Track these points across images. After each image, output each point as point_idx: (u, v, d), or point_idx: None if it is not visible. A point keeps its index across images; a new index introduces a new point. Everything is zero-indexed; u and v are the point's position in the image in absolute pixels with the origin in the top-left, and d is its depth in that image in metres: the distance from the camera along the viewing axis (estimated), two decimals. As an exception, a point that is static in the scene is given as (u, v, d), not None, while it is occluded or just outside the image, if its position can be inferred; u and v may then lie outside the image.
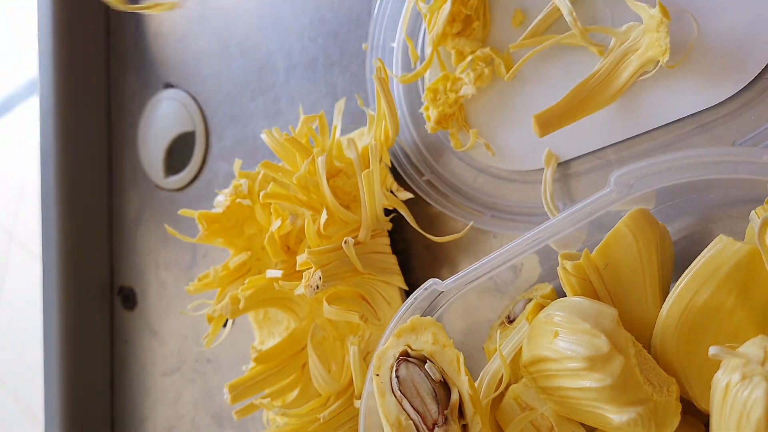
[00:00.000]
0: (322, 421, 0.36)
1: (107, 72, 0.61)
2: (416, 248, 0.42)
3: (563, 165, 0.36)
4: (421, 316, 0.31)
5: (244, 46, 0.51)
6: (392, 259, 0.40)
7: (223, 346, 0.53)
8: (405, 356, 0.29)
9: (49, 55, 0.58)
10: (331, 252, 0.36)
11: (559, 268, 0.29)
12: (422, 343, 0.29)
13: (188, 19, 0.55)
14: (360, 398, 0.38)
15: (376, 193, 0.36)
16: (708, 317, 0.27)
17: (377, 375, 0.29)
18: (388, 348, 0.30)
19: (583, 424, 0.30)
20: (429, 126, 0.39)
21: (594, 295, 0.29)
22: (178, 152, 0.56)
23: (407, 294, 0.41)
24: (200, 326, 0.55)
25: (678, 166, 0.24)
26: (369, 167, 0.37)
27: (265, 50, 0.49)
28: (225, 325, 0.49)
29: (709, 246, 0.27)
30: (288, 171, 0.39)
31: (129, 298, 0.60)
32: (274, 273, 0.38)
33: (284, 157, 0.40)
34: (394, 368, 0.29)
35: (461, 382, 0.28)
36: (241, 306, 0.38)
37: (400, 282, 0.39)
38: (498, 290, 0.37)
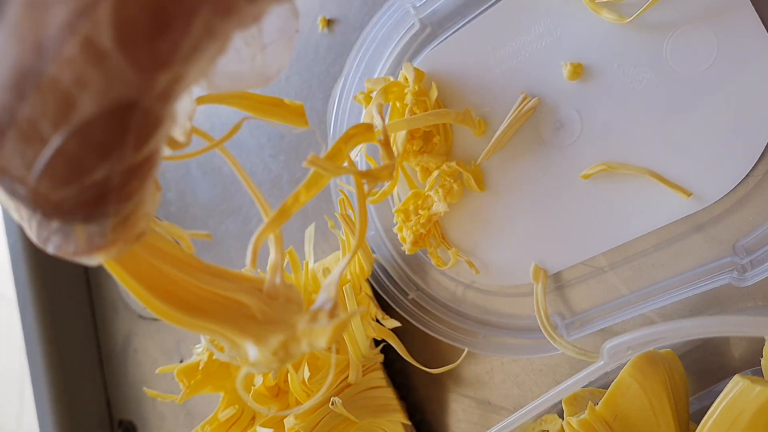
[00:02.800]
0: None
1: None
2: (415, 366, 0.40)
3: (554, 276, 0.33)
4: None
5: (205, 168, 0.48)
6: (390, 393, 0.37)
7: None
8: None
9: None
10: (319, 408, 0.33)
11: (564, 425, 0.27)
12: None
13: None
14: None
15: (359, 337, 0.34)
16: (738, 468, 0.24)
17: None
18: None
19: None
20: (406, 248, 0.36)
21: (608, 448, 0.26)
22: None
23: (413, 423, 0.38)
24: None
25: (676, 335, 0.21)
26: (348, 299, 0.34)
27: (227, 170, 0.47)
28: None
29: (725, 390, 0.24)
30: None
31: (130, 431, 0.58)
32: None
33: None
34: None
35: None
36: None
37: (402, 419, 0.37)
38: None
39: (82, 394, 0.58)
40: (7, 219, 0.57)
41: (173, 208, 0.51)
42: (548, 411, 0.32)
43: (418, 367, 0.39)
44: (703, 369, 0.29)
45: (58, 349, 0.57)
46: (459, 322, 0.36)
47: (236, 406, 0.38)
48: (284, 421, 0.33)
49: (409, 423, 0.37)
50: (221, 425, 0.40)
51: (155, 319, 0.54)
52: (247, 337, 0.16)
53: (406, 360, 0.40)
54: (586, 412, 0.26)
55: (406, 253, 0.36)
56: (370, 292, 0.37)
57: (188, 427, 0.53)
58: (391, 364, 0.40)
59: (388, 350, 0.39)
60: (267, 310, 0.17)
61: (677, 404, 0.26)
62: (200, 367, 0.38)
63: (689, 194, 0.28)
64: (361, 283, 0.36)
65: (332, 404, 0.32)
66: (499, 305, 0.35)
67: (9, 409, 0.92)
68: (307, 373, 0.33)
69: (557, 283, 0.33)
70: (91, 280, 0.59)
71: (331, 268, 0.38)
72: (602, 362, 0.23)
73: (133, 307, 0.55)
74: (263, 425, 0.35)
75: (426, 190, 0.35)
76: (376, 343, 0.37)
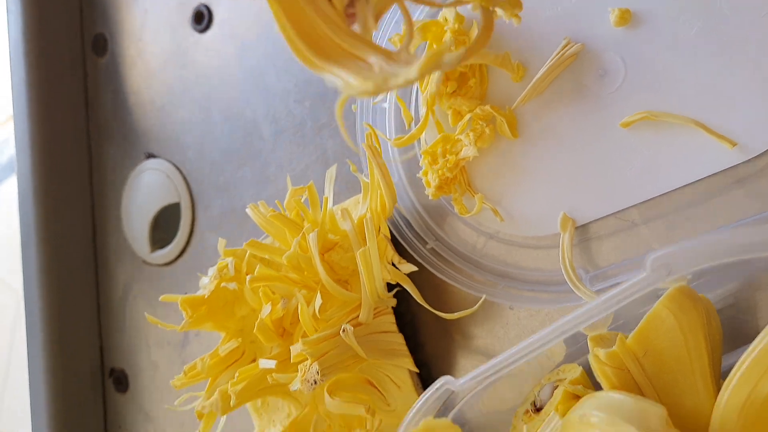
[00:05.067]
0: None
1: (88, 144, 0.58)
2: (425, 320, 0.39)
3: (582, 229, 0.33)
4: (435, 417, 0.27)
5: (227, 113, 0.48)
6: (399, 339, 0.36)
7: (222, 432, 0.49)
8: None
9: (26, 129, 0.55)
10: (328, 339, 0.32)
11: (590, 357, 0.26)
12: (438, 453, 0.25)
13: (168, 87, 0.52)
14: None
15: (375, 272, 0.33)
16: (773, 410, 0.23)
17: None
18: (399, 459, 0.26)
19: None
20: (429, 192, 0.35)
21: (634, 385, 0.25)
22: (165, 224, 0.53)
23: (419, 376, 0.37)
24: (196, 411, 0.51)
25: (726, 246, 0.20)
26: (366, 240, 0.34)
27: (249, 116, 0.46)
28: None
29: (762, 333, 0.23)
30: (277, 250, 0.35)
31: (121, 381, 0.56)
32: (267, 363, 0.34)
33: (273, 233, 0.36)
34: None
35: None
36: (232, 403, 0.34)
37: (409, 364, 0.35)
38: (519, 373, 0.33)
39: (76, 340, 0.57)
40: (21, 155, 0.56)
41: (191, 152, 0.50)
42: (567, 360, 0.31)
43: (427, 322, 0.38)
44: (733, 328, 0.28)
45: (58, 292, 0.56)
46: (478, 274, 0.35)
47: (239, 339, 0.37)
48: (290, 348, 0.32)
49: (416, 370, 0.36)
50: (221, 360, 0.39)
51: (159, 265, 0.53)
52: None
53: (415, 313, 0.39)
54: (615, 345, 0.25)
55: (430, 198, 0.35)
56: (388, 234, 0.36)
57: (181, 380, 0.52)
58: (400, 317, 0.39)
59: (398, 302, 0.38)
60: (385, 66, 0.19)
61: (712, 351, 0.25)
62: (206, 296, 0.37)
63: (734, 144, 0.28)
64: (381, 223, 0.35)
65: (343, 331, 0.31)
66: (520, 258, 0.34)
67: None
68: (319, 301, 0.32)
69: (584, 235, 0.33)
70: (97, 225, 0.58)
71: (352, 209, 0.37)
72: (644, 274, 0.22)
73: (138, 253, 0.54)
74: (268, 358, 0.34)
75: (457, 133, 0.34)
76: (389, 289, 0.36)
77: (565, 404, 0.29)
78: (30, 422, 0.58)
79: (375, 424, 0.36)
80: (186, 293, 0.49)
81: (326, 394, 0.34)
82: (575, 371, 0.30)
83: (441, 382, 0.26)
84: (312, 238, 0.33)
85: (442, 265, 0.36)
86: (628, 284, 0.22)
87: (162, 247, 0.52)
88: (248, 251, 0.38)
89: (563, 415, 0.28)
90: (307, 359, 0.31)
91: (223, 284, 0.36)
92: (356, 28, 0.21)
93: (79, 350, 0.57)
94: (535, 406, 0.31)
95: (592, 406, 0.24)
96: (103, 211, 0.57)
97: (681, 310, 0.24)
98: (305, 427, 0.39)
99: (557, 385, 0.30)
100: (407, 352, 0.36)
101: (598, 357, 0.25)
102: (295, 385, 0.32)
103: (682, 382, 0.25)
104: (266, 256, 0.34)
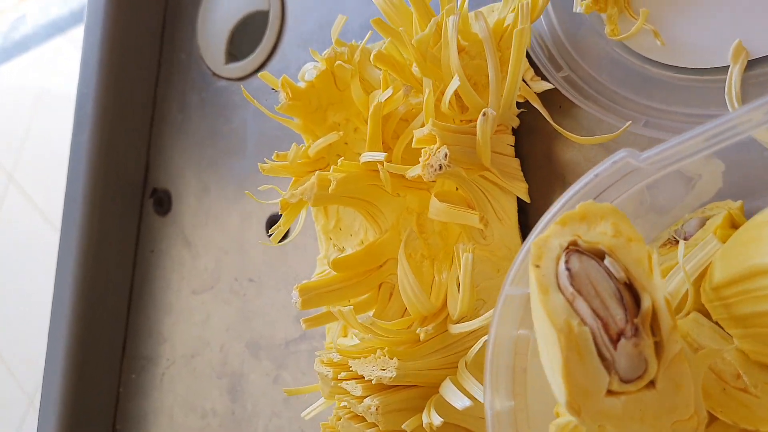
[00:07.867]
0: (422, 336, 0.29)
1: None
2: (534, 160, 0.35)
3: (754, 64, 0.29)
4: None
5: None
6: (515, 163, 0.33)
7: (270, 264, 0.46)
8: (574, 247, 0.22)
9: None
10: (457, 133, 0.29)
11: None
12: (598, 235, 0.22)
13: None
14: (459, 322, 0.31)
15: (514, 68, 0.29)
16: None
17: (537, 266, 0.22)
18: (550, 236, 0.23)
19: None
20: (583, 4, 0.31)
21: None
22: (245, 40, 0.49)
23: (519, 222, 0.34)
24: (245, 239, 0.48)
25: None
26: (500, 47, 0.30)
27: None
28: (285, 237, 0.41)
29: None
30: (402, 35, 0.31)
31: (162, 202, 0.53)
32: (373, 156, 0.31)
33: (398, 22, 0.33)
34: (563, 259, 0.22)
35: (655, 287, 0.21)
36: (331, 188, 0.31)
37: (521, 191, 0.32)
38: (657, 209, 0.29)
39: (120, 153, 0.54)
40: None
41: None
42: (717, 198, 0.28)
43: (539, 167, 0.35)
44: None
45: (111, 98, 0.52)
46: (615, 107, 0.32)
47: (339, 132, 0.34)
48: (414, 132, 0.29)
49: (527, 199, 0.32)
50: (309, 162, 0.35)
51: (232, 79, 0.49)
52: None
53: (526, 155, 0.35)
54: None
55: (581, 12, 0.32)
56: (530, 42, 0.32)
57: (233, 207, 0.48)
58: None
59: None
60: None
61: None
62: (313, 79, 0.33)
63: None
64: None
65: (483, 114, 0.28)
66: (671, 94, 0.31)
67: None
68: (456, 84, 0.28)
69: (756, 72, 0.29)
70: (166, 29, 0.54)
71: (486, 16, 0.33)
72: None
73: (209, 64, 0.51)
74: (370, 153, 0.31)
75: (634, -64, 0.30)
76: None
77: (726, 230, 0.26)
78: (59, 231, 0.55)
79: (469, 248, 0.33)
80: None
81: (434, 200, 0.31)
82: (732, 205, 0.27)
83: (622, 154, 0.23)
84: (452, 23, 0.30)
85: (577, 93, 0.33)
86: None
87: (237, 60, 0.49)
88: (362, 43, 0.34)
89: (723, 240, 0.25)
90: (432, 145, 0.28)
91: (338, 63, 0.33)
92: None
93: (123, 164, 0.54)
94: (676, 238, 0.28)
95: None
96: (176, 15, 0.53)
97: None
98: (382, 252, 0.36)
99: (709, 217, 0.27)
100: (522, 177, 0.33)
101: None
102: (414, 171, 0.29)
103: None
104: (398, 32, 0.30)
